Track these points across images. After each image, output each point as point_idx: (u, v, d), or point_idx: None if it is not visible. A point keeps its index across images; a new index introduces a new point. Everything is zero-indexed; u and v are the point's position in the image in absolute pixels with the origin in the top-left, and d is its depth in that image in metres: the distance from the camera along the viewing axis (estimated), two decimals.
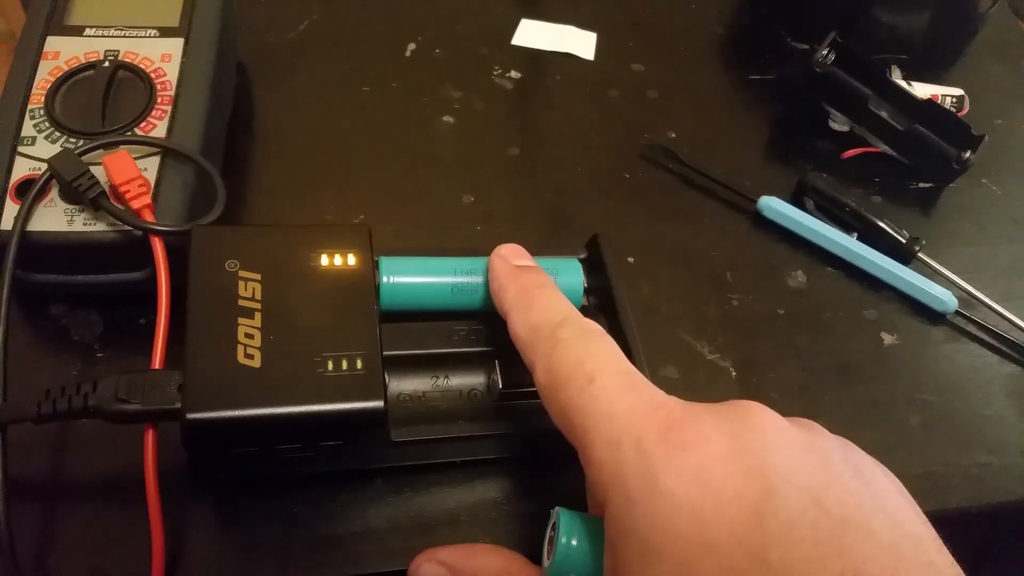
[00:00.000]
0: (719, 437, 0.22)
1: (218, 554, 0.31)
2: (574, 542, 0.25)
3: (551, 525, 0.26)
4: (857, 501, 0.21)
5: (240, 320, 0.29)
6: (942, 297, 0.41)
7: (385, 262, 0.33)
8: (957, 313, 0.42)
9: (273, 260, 0.31)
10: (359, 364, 0.29)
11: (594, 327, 0.27)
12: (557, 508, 0.26)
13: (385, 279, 0.33)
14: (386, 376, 0.30)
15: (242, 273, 0.30)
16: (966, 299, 0.42)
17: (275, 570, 0.30)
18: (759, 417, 0.22)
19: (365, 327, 0.30)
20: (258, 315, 0.29)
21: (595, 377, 0.24)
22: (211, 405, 0.27)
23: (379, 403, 0.28)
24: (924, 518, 0.22)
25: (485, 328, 0.33)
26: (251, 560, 0.30)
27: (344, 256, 0.31)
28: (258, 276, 0.30)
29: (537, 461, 0.34)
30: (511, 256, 0.32)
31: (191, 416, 0.26)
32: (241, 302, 0.29)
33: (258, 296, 0.29)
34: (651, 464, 0.21)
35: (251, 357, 0.28)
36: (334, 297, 0.30)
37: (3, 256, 0.31)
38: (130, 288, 0.34)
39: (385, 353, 0.30)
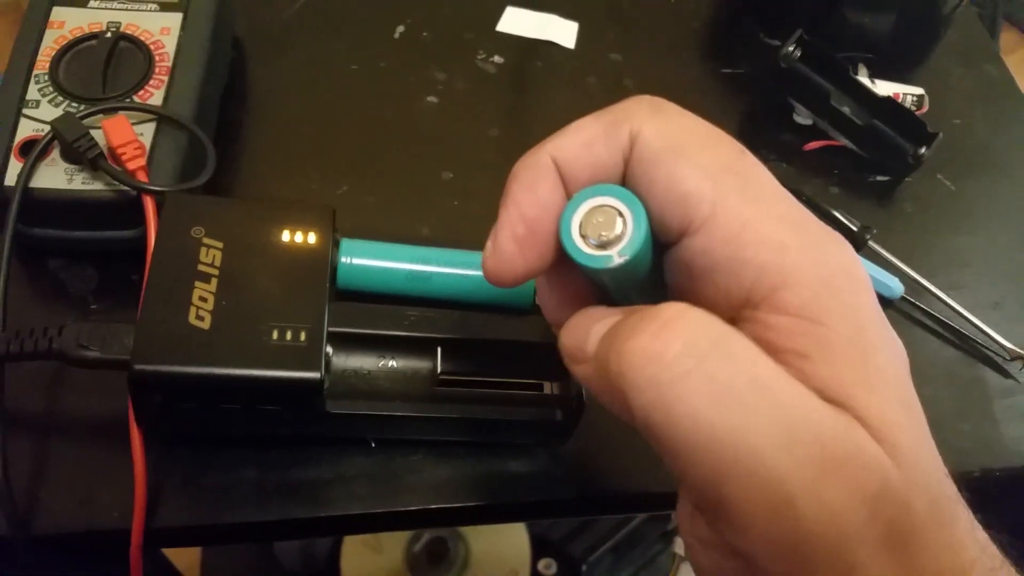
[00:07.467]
0: None
1: (197, 492, 0.33)
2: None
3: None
4: None
5: (197, 284, 0.30)
6: (889, 283, 0.44)
7: (346, 244, 0.35)
8: (903, 299, 0.44)
9: (237, 231, 0.32)
10: (303, 336, 0.30)
11: None
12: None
13: (344, 260, 0.35)
14: (330, 351, 0.31)
15: (206, 240, 0.31)
16: (913, 286, 0.44)
17: (250, 508, 0.33)
18: None
19: (314, 303, 0.31)
20: (215, 281, 0.31)
21: None
22: (157, 359, 0.29)
23: (316, 374, 0.29)
24: None
25: (435, 316, 0.34)
26: (227, 498, 0.33)
27: (305, 234, 0.33)
28: (220, 244, 0.31)
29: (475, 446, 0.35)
30: None
31: (137, 367, 0.28)
32: (200, 267, 0.31)
33: (217, 263, 0.31)
34: None
35: (201, 319, 0.29)
36: (290, 272, 0.32)
37: (7, 210, 0.33)
38: (124, 245, 0.36)
39: (337, 330, 0.31)
